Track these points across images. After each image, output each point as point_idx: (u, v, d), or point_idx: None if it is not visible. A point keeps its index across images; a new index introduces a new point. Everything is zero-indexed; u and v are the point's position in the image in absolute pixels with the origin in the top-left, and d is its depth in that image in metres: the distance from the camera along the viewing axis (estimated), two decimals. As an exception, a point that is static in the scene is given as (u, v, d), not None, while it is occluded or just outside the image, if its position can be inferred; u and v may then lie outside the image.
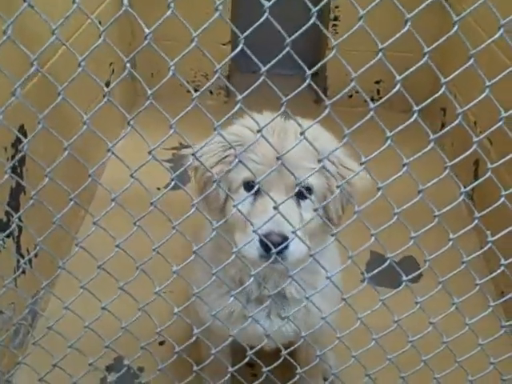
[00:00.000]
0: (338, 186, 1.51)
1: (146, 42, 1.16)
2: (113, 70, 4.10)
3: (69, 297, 1.66)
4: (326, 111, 1.25)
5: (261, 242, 1.61)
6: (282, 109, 1.25)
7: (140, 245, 1.59)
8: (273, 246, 1.55)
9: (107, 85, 4.00)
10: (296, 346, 1.82)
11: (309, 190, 1.78)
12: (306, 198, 1.77)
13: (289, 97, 1.25)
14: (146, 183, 1.41)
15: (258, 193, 1.74)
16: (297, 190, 1.50)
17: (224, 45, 4.57)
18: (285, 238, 1.61)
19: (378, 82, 4.75)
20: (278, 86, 1.27)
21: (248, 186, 1.77)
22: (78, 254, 1.60)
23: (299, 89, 1.23)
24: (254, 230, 1.52)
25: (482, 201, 3.51)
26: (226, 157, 1.79)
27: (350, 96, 4.74)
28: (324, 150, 1.63)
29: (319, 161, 1.44)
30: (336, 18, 4.65)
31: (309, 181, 1.74)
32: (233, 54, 1.23)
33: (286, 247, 1.62)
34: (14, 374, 2.55)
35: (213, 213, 1.82)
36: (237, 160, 1.38)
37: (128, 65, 1.22)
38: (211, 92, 4.82)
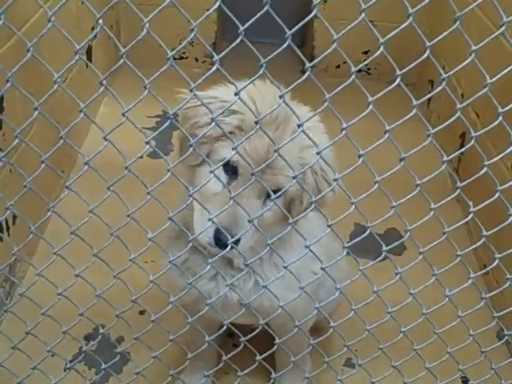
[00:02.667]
0: (352, 203, 1.46)
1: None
2: (95, 35, 3.98)
3: (47, 269, 1.61)
4: (306, 74, 1.21)
5: (215, 230, 1.62)
6: (261, 71, 1.21)
7: (119, 214, 1.54)
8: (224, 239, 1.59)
9: (89, 49, 3.92)
10: (255, 333, 1.78)
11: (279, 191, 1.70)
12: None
13: (267, 59, 1.21)
14: (129, 152, 1.37)
15: (233, 176, 1.71)
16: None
17: (208, 10, 4.50)
18: (238, 239, 1.60)
19: (365, 53, 4.69)
20: (265, 55, 1.23)
21: (227, 165, 1.71)
22: (57, 222, 1.55)
23: (279, 49, 1.18)
24: (210, 219, 1.53)
25: (467, 174, 3.47)
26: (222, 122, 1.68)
27: (338, 66, 4.70)
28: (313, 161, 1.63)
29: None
30: (323, -14, 4.59)
31: (284, 187, 1.65)
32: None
33: (236, 244, 1.61)
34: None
35: (185, 167, 1.79)
36: (233, 152, 1.36)
37: (100, 21, 1.16)
38: (197, 59, 4.75)
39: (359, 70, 4.72)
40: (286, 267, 1.58)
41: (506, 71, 1.26)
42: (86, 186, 1.84)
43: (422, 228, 1.59)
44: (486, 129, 1.35)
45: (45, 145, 1.33)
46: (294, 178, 1.42)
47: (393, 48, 1.25)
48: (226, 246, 1.61)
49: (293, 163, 1.59)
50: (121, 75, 4.34)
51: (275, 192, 1.62)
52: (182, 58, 4.75)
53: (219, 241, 1.63)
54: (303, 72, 1.24)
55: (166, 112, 1.32)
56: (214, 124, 1.32)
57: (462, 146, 3.67)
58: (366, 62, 1.33)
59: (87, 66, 3.83)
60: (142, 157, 1.40)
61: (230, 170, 1.71)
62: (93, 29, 3.96)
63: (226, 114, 1.66)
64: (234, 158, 1.66)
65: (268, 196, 1.70)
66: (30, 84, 2.25)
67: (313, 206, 1.47)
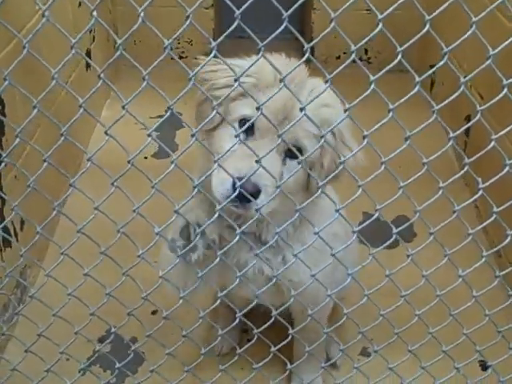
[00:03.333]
0: (358, 186, 1.44)
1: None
2: (93, 38, 4.00)
3: (56, 269, 1.60)
4: (306, 56, 1.19)
5: (233, 186, 1.57)
6: (260, 54, 1.19)
7: (126, 211, 1.52)
8: (243, 195, 1.53)
9: (88, 53, 3.92)
10: (285, 307, 1.77)
11: (300, 151, 1.71)
12: (294, 158, 1.72)
13: (265, 42, 1.19)
14: (133, 151, 1.36)
15: (250, 133, 1.70)
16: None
17: (206, 9, 4.47)
18: (257, 190, 1.58)
19: (365, 42, 4.67)
20: (265, 48, 1.22)
21: (242, 123, 1.71)
22: (66, 224, 1.54)
23: (277, 31, 1.17)
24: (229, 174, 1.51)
25: (474, 155, 3.45)
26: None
27: (338, 57, 4.68)
28: (331, 119, 1.64)
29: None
30: (320, -23, 4.56)
31: (303, 143, 1.70)
32: None
33: (255, 198, 1.58)
34: (5, 348, 2.52)
35: (202, 134, 1.80)
36: (258, 112, 1.34)
37: (94, 13, 1.14)
38: (196, 58, 4.72)
39: (360, 60, 4.73)
40: (316, 233, 1.54)
41: (507, 42, 1.24)
42: (91, 185, 1.84)
43: (431, 211, 1.57)
44: (492, 101, 1.33)
45: (49, 148, 1.32)
46: (321, 137, 1.41)
47: (392, 35, 1.24)
48: (247, 200, 1.57)
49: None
50: (122, 78, 4.34)
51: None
52: (181, 57, 4.74)
53: (239, 193, 1.53)
54: (305, 63, 1.23)
55: (169, 110, 1.30)
56: (237, 84, 1.31)
57: (468, 128, 3.64)
58: (364, 41, 1.30)
59: (87, 69, 3.83)
60: (146, 157, 1.38)
61: (247, 127, 1.66)
62: (90, 32, 3.97)
63: (244, 76, 1.60)
64: (250, 114, 1.67)
65: (287, 156, 1.71)
66: (30, 86, 2.25)
67: (341, 167, 1.45)
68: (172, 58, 1.27)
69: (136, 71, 1.28)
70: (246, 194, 1.53)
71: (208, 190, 1.60)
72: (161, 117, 4.16)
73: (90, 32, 3.96)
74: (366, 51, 4.70)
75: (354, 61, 1.31)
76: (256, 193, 1.58)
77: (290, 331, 1.79)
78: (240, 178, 1.52)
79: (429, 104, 1.35)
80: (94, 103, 3.90)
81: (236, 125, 1.72)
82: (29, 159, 2.58)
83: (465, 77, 1.34)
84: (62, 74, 1.15)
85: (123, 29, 4.61)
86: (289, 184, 1.66)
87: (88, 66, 3.85)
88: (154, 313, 2.69)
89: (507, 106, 1.42)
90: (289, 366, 1.87)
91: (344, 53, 4.71)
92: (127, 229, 1.49)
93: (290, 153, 1.72)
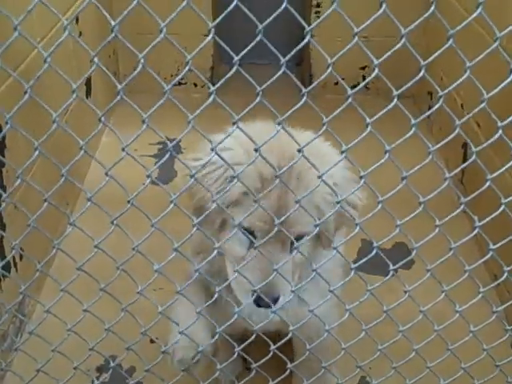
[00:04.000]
0: (356, 224, 1.48)
1: (113, 34, 1.12)
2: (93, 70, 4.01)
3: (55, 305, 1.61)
4: (303, 100, 1.21)
5: (255, 300, 1.70)
6: (257, 99, 1.21)
7: (125, 246, 1.54)
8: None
9: (88, 81, 3.94)
10: (285, 340, 1.78)
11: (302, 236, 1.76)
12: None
13: (264, 86, 1.21)
14: (132, 180, 1.37)
15: (254, 236, 1.73)
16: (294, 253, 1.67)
17: (206, 36, 4.51)
18: (277, 299, 1.69)
19: (363, 68, 4.71)
20: (264, 76, 1.24)
21: (244, 228, 1.74)
22: (64, 256, 1.55)
23: (273, 78, 1.19)
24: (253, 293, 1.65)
25: (471, 185, 3.45)
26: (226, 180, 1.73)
27: (336, 83, 4.71)
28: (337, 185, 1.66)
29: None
30: (318, 5, 4.61)
31: (308, 230, 1.73)
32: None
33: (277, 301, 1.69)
34: (3, 380, 2.51)
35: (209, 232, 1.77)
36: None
37: (96, 59, 1.17)
38: (196, 85, 4.77)
39: (357, 86, 4.77)
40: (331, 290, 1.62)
41: (502, 85, 1.26)
42: (91, 220, 1.85)
43: (430, 243, 1.58)
44: (487, 143, 1.35)
45: (47, 180, 1.33)
46: (337, 202, 1.46)
47: (390, 62, 1.25)
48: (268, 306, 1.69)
49: (308, 206, 1.59)
50: (121, 104, 4.36)
51: (298, 239, 1.71)
52: (180, 83, 4.77)
53: (262, 306, 1.70)
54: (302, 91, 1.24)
55: (166, 143, 1.33)
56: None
57: (465, 155, 3.66)
58: (361, 85, 1.32)
59: (87, 97, 3.85)
60: (149, 176, 1.38)
61: (247, 231, 1.74)
62: (91, 61, 3.99)
63: (230, 180, 1.64)
64: (247, 224, 1.70)
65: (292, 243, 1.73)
66: (31, 121, 2.27)
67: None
68: (174, 85, 1.28)
69: (138, 96, 1.29)
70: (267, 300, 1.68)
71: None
72: (160, 143, 4.21)
73: (91, 61, 3.98)
74: (364, 77, 4.74)
75: (351, 87, 1.33)
76: (277, 301, 1.69)
77: (289, 365, 1.79)
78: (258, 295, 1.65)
79: (426, 131, 1.37)
80: (94, 129, 3.91)
81: (238, 232, 1.72)
82: (27, 191, 2.59)
83: (461, 112, 1.36)
84: (62, 103, 1.17)
85: (124, 56, 4.67)
86: (300, 263, 1.77)
87: (88, 93, 3.88)
88: (152, 341, 2.68)
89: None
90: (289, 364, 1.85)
91: (342, 78, 4.73)
92: (127, 265, 1.50)
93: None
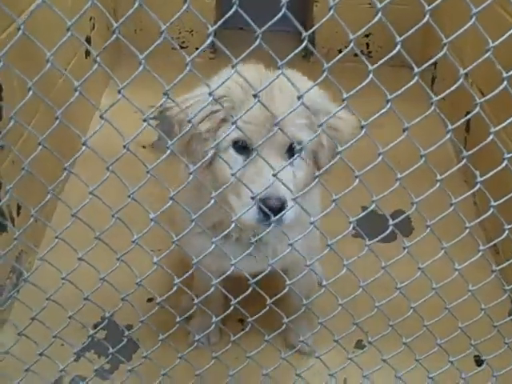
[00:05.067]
0: (319, 125, 1.43)
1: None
2: (93, 25, 3.97)
3: (52, 255, 1.59)
4: (303, 44, 1.18)
5: (259, 207, 1.59)
6: (280, 72, 1.18)
7: (123, 197, 1.51)
8: (271, 211, 1.57)
9: (88, 40, 3.89)
10: (281, 294, 1.76)
11: (300, 145, 1.75)
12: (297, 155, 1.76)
13: (263, 29, 1.18)
14: (132, 141, 1.35)
15: (248, 152, 1.73)
16: (296, 156, 1.63)
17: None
18: (283, 202, 1.61)
19: (367, 36, 4.65)
20: (265, 42, 1.21)
21: (237, 145, 1.74)
22: (63, 209, 1.53)
23: (274, 19, 1.15)
24: (252, 197, 1.49)
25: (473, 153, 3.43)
26: (213, 112, 1.74)
27: (339, 51, 4.65)
28: (313, 104, 1.66)
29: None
30: (324, -30, 4.53)
31: (300, 137, 1.73)
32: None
33: (282, 209, 1.62)
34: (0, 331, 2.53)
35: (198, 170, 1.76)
36: (233, 126, 1.34)
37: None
38: (197, 49, 4.69)
39: (361, 53, 4.72)
40: (312, 223, 1.53)
41: (507, 35, 1.23)
42: (88, 171, 1.83)
43: (429, 205, 1.56)
44: (492, 94, 1.31)
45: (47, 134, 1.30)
46: (319, 126, 1.42)
47: (395, 29, 1.22)
48: (274, 211, 1.59)
49: (297, 112, 1.55)
50: (120, 67, 4.33)
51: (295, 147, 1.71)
52: (182, 47, 4.71)
53: (266, 215, 1.59)
54: (304, 57, 1.21)
55: (166, 94, 1.30)
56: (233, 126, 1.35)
57: (468, 124, 3.62)
58: (361, 32, 1.29)
59: (86, 56, 3.80)
60: (144, 147, 1.36)
61: (241, 148, 1.73)
62: (90, 19, 3.94)
63: (214, 103, 1.64)
64: (240, 135, 1.67)
65: (290, 154, 1.75)
66: (29, 72, 2.23)
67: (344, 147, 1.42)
68: (173, 48, 1.25)
69: (137, 59, 1.27)
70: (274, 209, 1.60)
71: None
72: (161, 106, 4.16)
73: (90, 19, 3.93)
74: (368, 45, 4.69)
75: (354, 54, 1.30)
76: (283, 206, 1.61)
77: (285, 320, 1.78)
78: (262, 198, 1.56)
79: (429, 97, 1.34)
80: (92, 91, 3.88)
81: (231, 150, 1.74)
82: (26, 144, 2.57)
83: (470, 84, 1.33)
84: (60, 61, 1.14)
85: (123, 14, 4.58)
86: (300, 181, 1.73)
87: (87, 53, 3.83)
88: (149, 300, 2.69)
89: (507, 100, 1.41)
90: (285, 319, 1.83)
91: (345, 46, 4.66)
92: (124, 215, 1.48)
93: (291, 151, 1.76)
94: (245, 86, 1.68)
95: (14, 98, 2.56)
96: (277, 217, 1.58)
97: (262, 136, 1.57)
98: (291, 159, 1.67)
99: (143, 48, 1.21)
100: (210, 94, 1.31)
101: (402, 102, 1.32)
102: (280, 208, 1.60)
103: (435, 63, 4.39)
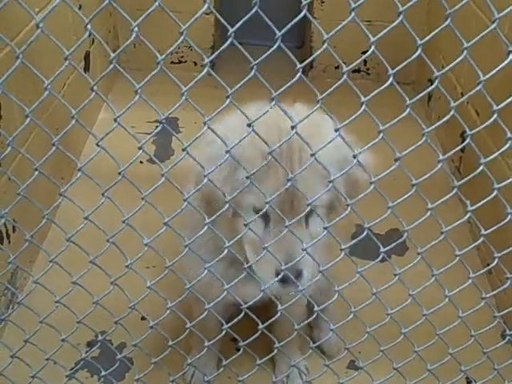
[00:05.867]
0: (347, 205, 1.48)
1: (106, 1, 1.10)
2: (93, 40, 3.99)
3: (46, 276, 1.60)
4: (297, 76, 1.19)
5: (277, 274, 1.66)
6: (251, 73, 1.20)
7: (117, 220, 1.53)
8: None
9: (87, 55, 3.91)
10: (273, 319, 1.77)
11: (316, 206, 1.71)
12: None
13: (258, 61, 1.20)
14: (128, 158, 1.36)
15: (265, 218, 1.74)
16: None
17: (207, 14, 4.45)
18: (300, 271, 1.69)
19: (364, 53, 4.66)
20: (266, 58, 1.22)
21: (256, 209, 1.71)
22: (57, 229, 1.54)
23: (269, 51, 1.17)
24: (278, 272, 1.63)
25: (468, 172, 3.43)
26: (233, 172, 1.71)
27: (336, 67, 4.68)
28: (342, 162, 1.66)
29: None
30: (322, -13, 4.58)
31: (321, 201, 1.72)
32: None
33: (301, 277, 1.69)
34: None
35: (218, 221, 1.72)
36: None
37: (89, 26, 1.15)
38: (195, 63, 4.74)
39: (358, 71, 4.75)
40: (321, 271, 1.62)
41: (500, 67, 1.25)
42: (83, 192, 1.84)
43: (423, 227, 1.57)
44: (483, 126, 1.34)
45: (43, 153, 1.32)
46: (329, 181, 1.44)
47: (390, 48, 1.24)
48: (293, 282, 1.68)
49: (315, 174, 1.63)
50: (120, 80, 4.34)
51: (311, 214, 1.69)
52: (180, 61, 4.74)
53: (287, 283, 1.68)
54: (304, 73, 1.23)
55: (162, 120, 1.31)
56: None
57: (463, 142, 3.63)
58: (357, 62, 1.31)
59: (86, 71, 3.82)
60: (141, 162, 1.37)
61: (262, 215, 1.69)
62: (90, 35, 3.95)
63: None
64: (259, 205, 1.67)
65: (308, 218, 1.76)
66: (28, 91, 2.25)
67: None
68: (172, 62, 1.27)
69: (137, 73, 1.28)
70: (292, 277, 1.66)
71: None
72: (158, 121, 4.18)
73: (90, 35, 3.94)
74: (365, 62, 4.71)
75: (353, 71, 1.31)
76: (301, 273, 1.69)
77: (276, 345, 1.79)
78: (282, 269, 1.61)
79: (425, 118, 1.36)
80: (91, 105, 3.88)
81: (251, 212, 1.71)
82: (22, 163, 2.58)
83: (465, 104, 1.35)
84: (59, 77, 1.15)
85: (124, 32, 4.62)
86: (317, 235, 1.67)
87: (86, 68, 3.86)
88: (143, 318, 2.69)
89: (502, 117, 1.41)
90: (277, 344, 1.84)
91: (344, 62, 4.70)
92: (118, 238, 1.49)
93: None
94: (261, 149, 1.56)
95: (13, 115, 2.58)
96: (296, 288, 1.69)
97: (281, 204, 1.62)
98: (317, 239, 1.59)
99: (142, 62, 1.23)
100: (226, 152, 1.34)
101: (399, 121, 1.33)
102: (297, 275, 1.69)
103: (431, 80, 4.42)
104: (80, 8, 3.54)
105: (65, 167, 3.46)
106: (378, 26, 3.89)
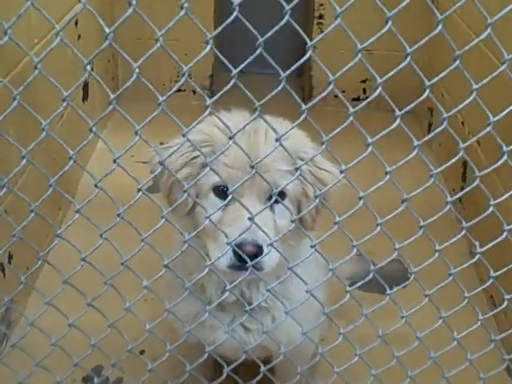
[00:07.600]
0: (316, 196, 1.42)
1: (107, 42, 1.08)
2: (92, 69, 3.96)
3: (42, 317, 1.55)
4: (303, 116, 1.17)
5: (234, 252, 1.53)
6: (256, 114, 1.17)
7: (115, 259, 1.49)
8: (247, 256, 1.49)
9: (85, 86, 3.90)
10: (275, 362, 1.73)
11: (282, 193, 1.70)
12: (279, 202, 1.68)
13: (261, 102, 1.17)
14: (127, 187, 1.33)
15: (225, 198, 1.64)
16: (273, 200, 1.46)
17: (206, 43, 4.46)
18: (259, 248, 1.54)
19: (364, 81, 4.67)
20: (262, 85, 1.20)
21: (218, 190, 1.69)
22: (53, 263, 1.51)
23: (273, 93, 1.14)
24: (228, 242, 1.46)
25: (470, 204, 3.42)
26: (194, 158, 1.70)
27: (336, 96, 4.66)
28: (297, 150, 1.66)
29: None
30: (321, 16, 4.57)
31: (282, 184, 1.66)
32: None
33: (259, 256, 1.54)
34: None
35: (179, 217, 1.74)
36: (208, 168, 1.30)
37: (88, 67, 1.12)
38: (194, 92, 4.73)
39: (358, 99, 4.73)
40: (309, 291, 1.51)
41: (508, 110, 1.22)
42: (82, 231, 1.80)
43: (429, 265, 1.53)
44: (490, 169, 1.30)
45: (39, 188, 1.28)
46: (296, 169, 1.34)
47: (391, 77, 1.21)
48: (250, 256, 1.52)
49: (280, 158, 1.62)
50: (120, 106, 4.31)
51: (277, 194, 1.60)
52: (179, 90, 4.72)
53: (241, 258, 1.52)
54: (303, 101, 1.20)
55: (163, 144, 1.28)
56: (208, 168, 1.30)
57: (464, 173, 3.62)
58: (362, 105, 1.28)
59: (84, 101, 3.81)
60: (140, 190, 1.33)
61: (222, 193, 1.68)
62: (84, 68, 3.93)
63: (195, 149, 1.64)
64: (220, 180, 1.60)
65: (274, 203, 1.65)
66: (24, 129, 2.22)
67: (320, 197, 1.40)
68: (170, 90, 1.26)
69: (136, 103, 1.25)
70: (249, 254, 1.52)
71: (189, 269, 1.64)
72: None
73: (84, 68, 3.92)
74: (365, 90, 4.71)
75: (353, 99, 1.29)
76: (259, 251, 1.54)
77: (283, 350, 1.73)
78: (238, 243, 1.50)
79: (426, 146, 1.33)
80: (89, 134, 3.86)
81: (211, 194, 1.70)
82: (18, 198, 2.53)
83: (462, 129, 1.32)
84: (57, 107, 1.15)
85: (123, 60, 4.61)
86: (286, 228, 1.61)
87: (85, 98, 3.83)
88: (142, 352, 2.63)
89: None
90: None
91: (343, 91, 4.71)
92: (116, 277, 1.45)
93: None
94: (227, 132, 1.53)
95: (9, 148, 2.55)
96: (253, 261, 1.51)
97: (239, 180, 1.48)
98: (268, 203, 1.50)
99: (142, 90, 1.19)
100: (187, 139, 1.27)
101: (404, 150, 1.30)
102: (256, 254, 1.53)
103: (431, 109, 4.42)
104: (79, 38, 3.52)
105: (62, 198, 3.42)
106: (377, 55, 3.89)
